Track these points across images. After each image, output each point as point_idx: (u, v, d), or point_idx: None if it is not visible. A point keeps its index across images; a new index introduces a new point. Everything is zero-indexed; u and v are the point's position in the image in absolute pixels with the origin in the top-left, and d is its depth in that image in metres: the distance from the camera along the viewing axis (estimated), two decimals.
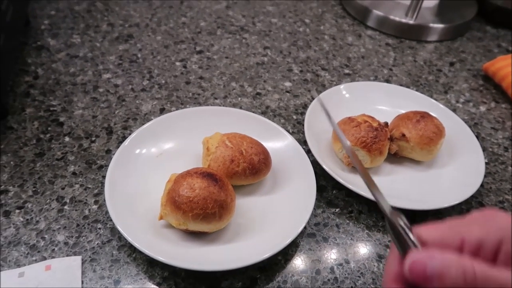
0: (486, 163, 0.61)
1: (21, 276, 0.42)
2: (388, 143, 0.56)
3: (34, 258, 0.44)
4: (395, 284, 0.27)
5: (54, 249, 0.45)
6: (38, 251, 0.45)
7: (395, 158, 0.58)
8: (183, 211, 0.43)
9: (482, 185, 0.56)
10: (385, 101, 0.67)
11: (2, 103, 0.57)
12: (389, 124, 0.59)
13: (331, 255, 0.48)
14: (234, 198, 0.47)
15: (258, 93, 0.69)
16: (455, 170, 0.58)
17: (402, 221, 0.28)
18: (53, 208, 0.49)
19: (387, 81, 0.76)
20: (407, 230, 0.27)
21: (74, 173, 0.53)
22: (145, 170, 0.52)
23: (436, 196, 0.54)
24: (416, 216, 0.54)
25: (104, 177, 0.53)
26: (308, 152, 0.56)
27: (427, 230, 0.27)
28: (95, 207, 0.50)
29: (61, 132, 0.58)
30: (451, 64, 0.83)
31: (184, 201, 0.43)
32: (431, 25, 0.88)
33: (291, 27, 0.87)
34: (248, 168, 0.50)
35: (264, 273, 0.46)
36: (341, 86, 0.66)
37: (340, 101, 0.64)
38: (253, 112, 0.62)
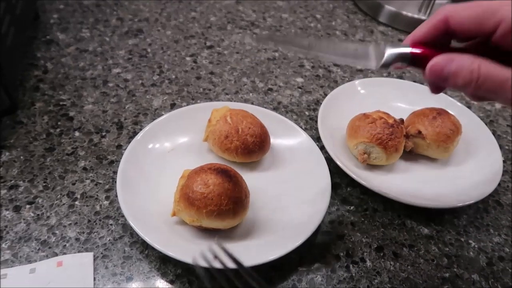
0: (503, 161, 0.60)
1: (33, 272, 0.41)
2: (403, 140, 0.55)
3: (45, 254, 0.43)
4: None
5: (65, 245, 0.44)
6: (49, 247, 0.44)
7: (411, 155, 0.57)
8: (197, 207, 0.42)
9: (499, 184, 0.55)
10: (400, 98, 0.66)
11: (12, 97, 0.57)
12: (404, 120, 0.58)
13: (347, 254, 0.47)
14: (249, 194, 0.46)
15: (269, 89, 0.68)
16: (472, 168, 0.56)
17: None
18: (63, 204, 0.48)
19: (400, 77, 0.75)
20: None
21: (84, 168, 0.53)
22: (157, 165, 0.51)
23: (452, 194, 0.53)
24: (432, 214, 0.53)
25: (115, 172, 0.52)
26: (322, 148, 0.55)
27: (467, 17, 0.31)
28: (106, 202, 0.49)
29: (71, 127, 0.58)
30: None
31: (198, 197, 0.42)
32: None
33: (302, 22, 0.86)
34: (240, 147, 0.51)
35: (278, 272, 0.45)
36: (356, 82, 0.65)
37: (354, 97, 0.63)
38: (264, 108, 0.61)
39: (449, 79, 0.31)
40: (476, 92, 0.31)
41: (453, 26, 0.32)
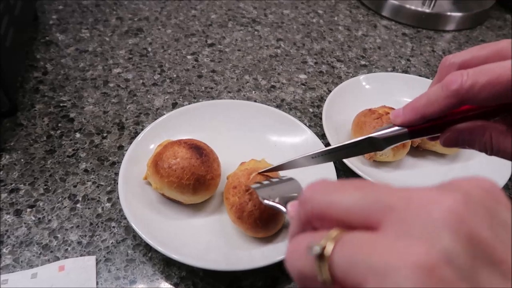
0: None
1: (34, 277, 0.41)
2: None
3: (47, 258, 0.43)
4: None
5: (67, 249, 0.44)
6: (51, 251, 0.43)
7: (418, 151, 0.56)
8: (160, 175, 0.44)
9: (509, 179, 0.54)
10: (405, 92, 0.64)
11: (12, 99, 0.56)
12: None
13: None
14: (217, 177, 0.46)
15: (272, 86, 0.67)
16: (480, 163, 0.55)
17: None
18: (65, 207, 0.48)
19: (405, 71, 0.74)
20: None
21: (86, 170, 0.52)
22: None
23: None
24: None
25: (116, 174, 0.51)
26: (327, 145, 0.53)
27: (487, 97, 0.28)
28: (108, 205, 0.48)
29: (71, 128, 0.57)
30: None
31: (164, 166, 0.44)
32: (449, 13, 0.85)
33: (304, 18, 0.85)
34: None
35: (285, 273, 0.43)
36: (361, 77, 0.64)
37: (359, 93, 0.62)
38: (268, 105, 0.60)
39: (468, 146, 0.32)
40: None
41: (469, 104, 0.29)
